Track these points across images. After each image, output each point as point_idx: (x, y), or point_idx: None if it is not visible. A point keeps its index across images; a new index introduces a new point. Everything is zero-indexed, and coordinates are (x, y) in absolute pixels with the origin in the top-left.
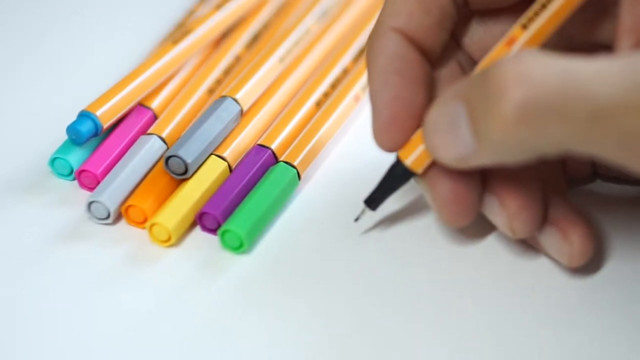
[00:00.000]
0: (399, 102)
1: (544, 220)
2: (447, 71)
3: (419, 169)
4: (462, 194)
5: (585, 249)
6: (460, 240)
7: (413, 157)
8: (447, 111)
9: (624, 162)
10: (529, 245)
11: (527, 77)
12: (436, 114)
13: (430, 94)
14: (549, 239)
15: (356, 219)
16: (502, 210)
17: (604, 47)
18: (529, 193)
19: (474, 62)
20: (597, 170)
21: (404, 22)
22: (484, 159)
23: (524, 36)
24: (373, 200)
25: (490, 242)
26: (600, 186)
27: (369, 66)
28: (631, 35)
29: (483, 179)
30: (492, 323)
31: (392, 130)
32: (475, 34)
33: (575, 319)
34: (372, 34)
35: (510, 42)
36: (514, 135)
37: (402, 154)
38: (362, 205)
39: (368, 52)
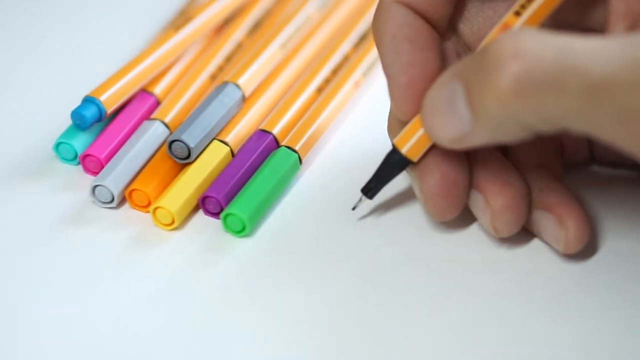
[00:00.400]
0: (414, 68)
1: (526, 218)
2: (452, 44)
3: (414, 157)
4: (449, 187)
5: (580, 235)
6: (457, 224)
7: (409, 145)
8: (444, 91)
9: (619, 141)
10: (525, 229)
11: (524, 51)
12: (434, 94)
13: (442, 60)
14: (545, 224)
15: (354, 208)
16: (487, 208)
17: (596, 32)
18: (514, 193)
19: (469, 50)
20: (593, 154)
21: None
22: (481, 136)
23: (518, 22)
24: (370, 189)
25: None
26: (596, 170)
27: (378, 38)
28: (624, 20)
29: (471, 175)
30: (489, 307)
31: (411, 96)
32: (475, 22)
33: (571, 302)
34: (377, 9)
35: (504, 28)
36: (510, 109)
37: (398, 142)
38: (359, 193)
39: (375, 25)
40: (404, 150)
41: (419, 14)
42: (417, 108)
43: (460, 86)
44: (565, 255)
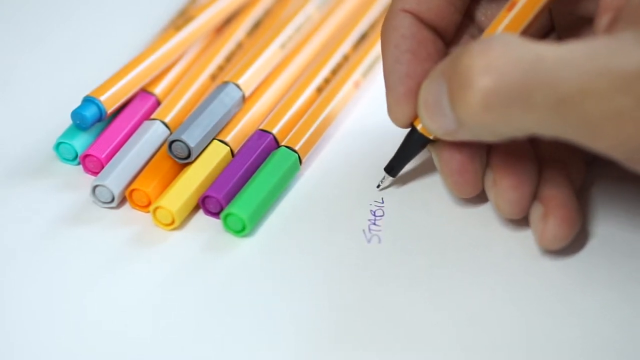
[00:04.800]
0: (412, 79)
1: (531, 202)
2: (468, 37)
3: (432, 135)
4: (467, 164)
5: (558, 234)
6: (452, 208)
7: None
8: (433, 87)
9: (587, 144)
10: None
11: (492, 67)
12: (426, 88)
13: None
14: (533, 214)
15: (378, 186)
16: (494, 185)
17: (589, 19)
18: (521, 174)
19: None
20: None
21: (414, 3)
22: (465, 135)
23: (522, 1)
24: (392, 168)
25: (484, 211)
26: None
27: (383, 44)
28: (607, 12)
29: (488, 152)
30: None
31: (405, 106)
32: (489, 9)
33: (566, 295)
34: (386, 16)
35: (511, 7)
36: (481, 121)
37: (418, 122)
38: (382, 173)
39: (382, 32)
40: (419, 127)
41: (425, 23)
42: (411, 117)
43: (445, 84)
44: (556, 252)
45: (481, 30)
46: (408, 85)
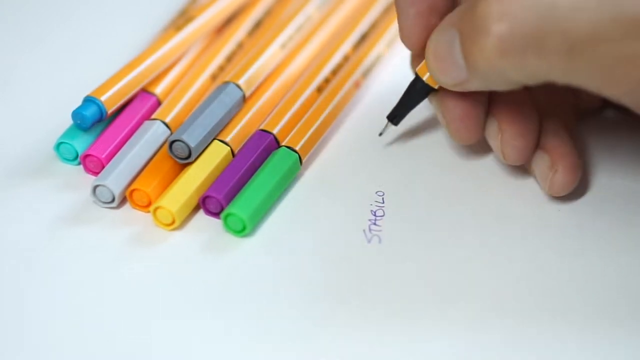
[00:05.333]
0: (423, 1)
1: (534, 150)
2: None
3: (436, 85)
4: (469, 111)
5: (567, 180)
6: (452, 208)
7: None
8: (444, 38)
9: (601, 90)
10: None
11: (508, 13)
12: (435, 39)
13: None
14: (539, 164)
15: (380, 134)
16: (498, 133)
17: None
18: (526, 122)
19: None
20: (607, 100)
21: None
22: (476, 85)
23: None
24: (395, 116)
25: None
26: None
27: None
28: None
29: (489, 102)
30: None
31: (418, 27)
32: None
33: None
34: None
35: None
36: (496, 67)
37: (420, 70)
38: (385, 121)
39: None
40: (425, 77)
41: None
42: (423, 40)
43: (457, 35)
44: (583, 201)
45: None
46: (419, 6)
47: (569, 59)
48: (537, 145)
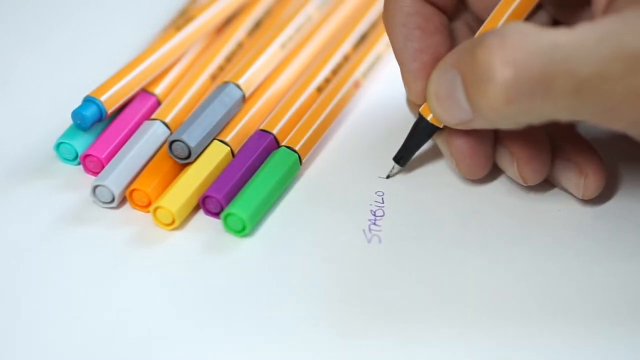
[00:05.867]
0: (425, 54)
1: (550, 165)
2: (462, 22)
3: (440, 124)
4: (477, 147)
5: (598, 181)
6: (452, 207)
7: None
8: (445, 78)
9: (606, 124)
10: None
11: (512, 59)
12: (436, 80)
13: (452, 42)
14: (565, 173)
15: (387, 176)
16: (513, 160)
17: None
18: (536, 143)
19: (480, 22)
20: None
21: None
22: (482, 124)
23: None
24: (401, 157)
25: (484, 210)
26: None
27: (389, 26)
28: None
29: (495, 133)
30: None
31: (422, 80)
32: None
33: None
34: (386, 0)
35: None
36: (502, 113)
37: (423, 110)
38: (391, 163)
39: (385, 14)
40: (429, 117)
41: (426, 0)
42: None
43: (458, 76)
44: (583, 202)
45: (474, 13)
46: (421, 60)
47: (575, 98)
48: (552, 159)
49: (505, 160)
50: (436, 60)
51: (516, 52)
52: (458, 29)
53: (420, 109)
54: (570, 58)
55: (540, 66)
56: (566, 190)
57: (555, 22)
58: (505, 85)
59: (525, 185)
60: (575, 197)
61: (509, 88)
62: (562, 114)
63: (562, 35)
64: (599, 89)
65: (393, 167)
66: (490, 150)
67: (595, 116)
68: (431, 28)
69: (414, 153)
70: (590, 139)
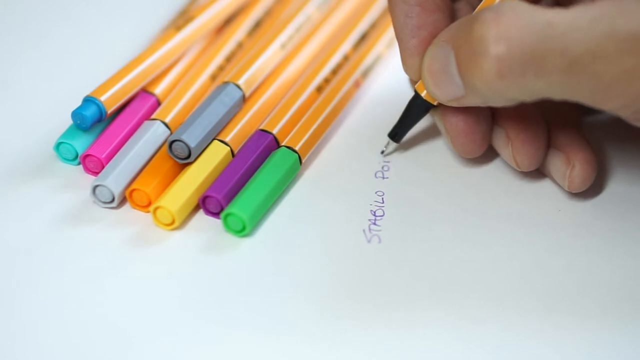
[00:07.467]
0: (423, 30)
1: (546, 153)
2: (463, 4)
3: (435, 101)
4: (472, 125)
5: (585, 174)
6: (452, 207)
7: None
8: (439, 53)
9: (597, 104)
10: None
11: (506, 35)
12: (431, 56)
13: (452, 21)
14: (554, 162)
15: (382, 152)
16: (508, 142)
17: None
18: (533, 128)
19: None
20: None
21: None
22: (474, 101)
23: None
24: (396, 134)
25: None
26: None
27: (390, 2)
28: None
29: (494, 113)
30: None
31: (419, 57)
32: None
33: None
34: None
35: None
36: (495, 88)
37: (418, 87)
38: (386, 139)
39: None
40: (424, 94)
41: None
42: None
43: (452, 52)
44: (572, 195)
45: None
46: (420, 36)
47: (567, 76)
48: (548, 147)
49: (501, 141)
50: (434, 37)
51: (510, 29)
52: (460, 9)
53: (416, 85)
54: (563, 36)
55: (533, 43)
56: (554, 180)
57: (558, 5)
58: (498, 60)
59: (518, 170)
60: (574, 196)
61: (502, 63)
62: (555, 92)
63: (556, 15)
64: (591, 67)
65: (388, 143)
66: (486, 130)
67: (587, 96)
68: (431, 5)
69: (408, 129)
70: (596, 137)
